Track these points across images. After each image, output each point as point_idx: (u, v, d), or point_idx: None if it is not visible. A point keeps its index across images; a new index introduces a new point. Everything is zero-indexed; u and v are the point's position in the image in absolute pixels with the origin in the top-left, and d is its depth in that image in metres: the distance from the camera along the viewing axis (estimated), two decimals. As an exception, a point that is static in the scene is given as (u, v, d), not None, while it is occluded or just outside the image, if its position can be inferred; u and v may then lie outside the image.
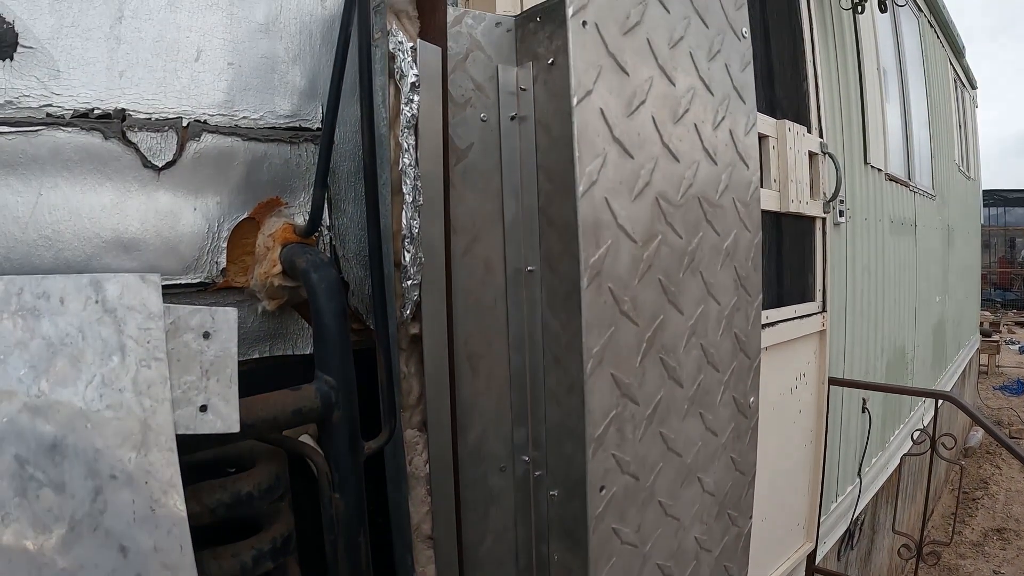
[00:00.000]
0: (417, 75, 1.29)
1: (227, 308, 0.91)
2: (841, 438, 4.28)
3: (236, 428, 0.88)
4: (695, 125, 1.14)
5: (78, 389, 0.79)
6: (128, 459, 0.80)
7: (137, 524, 0.79)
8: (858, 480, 4.56)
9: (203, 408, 0.87)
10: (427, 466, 1.30)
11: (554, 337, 1.40)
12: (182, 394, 0.86)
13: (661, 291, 1.09)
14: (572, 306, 1.23)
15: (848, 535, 4.58)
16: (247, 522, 1.08)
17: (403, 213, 1.22)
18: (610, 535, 1.04)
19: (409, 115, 1.27)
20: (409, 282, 1.21)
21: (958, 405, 3.47)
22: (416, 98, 1.28)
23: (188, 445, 0.91)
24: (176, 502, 0.81)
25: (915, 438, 3.72)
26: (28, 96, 1.05)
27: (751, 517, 1.25)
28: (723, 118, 1.18)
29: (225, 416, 0.88)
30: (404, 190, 1.24)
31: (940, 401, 3.53)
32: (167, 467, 0.81)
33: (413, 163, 1.25)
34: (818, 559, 3.93)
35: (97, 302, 0.83)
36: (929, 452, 3.60)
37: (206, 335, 0.88)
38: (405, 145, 1.25)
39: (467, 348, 1.39)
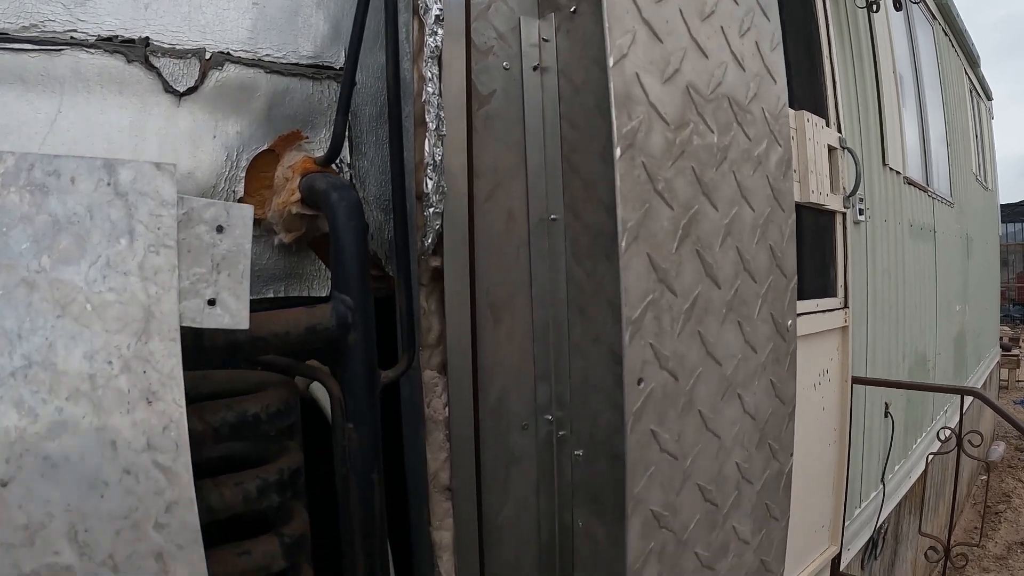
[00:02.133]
0: (441, 8, 1.26)
1: (243, 204, 0.86)
2: (864, 442, 4.17)
3: (245, 325, 0.83)
4: (721, 28, 1.11)
5: (80, 268, 0.75)
6: (127, 345, 0.75)
7: (130, 415, 0.73)
8: (881, 486, 4.44)
9: (211, 302, 0.82)
10: (446, 409, 1.24)
11: (579, 287, 1.36)
12: (190, 285, 0.81)
13: (695, 180, 1.04)
14: (606, 187, 1.17)
15: (872, 544, 4.45)
16: (253, 456, 1.03)
17: (426, 142, 1.19)
18: (649, 439, 0.97)
19: (433, 46, 1.24)
20: (431, 210, 1.17)
21: (984, 400, 3.38)
22: (440, 31, 1.26)
23: (195, 359, 0.86)
24: (175, 396, 0.76)
25: (941, 436, 3.62)
26: (53, 20, 1.05)
27: (792, 455, 1.18)
28: (748, 28, 1.16)
29: (234, 312, 0.83)
30: (427, 119, 1.20)
31: (966, 398, 3.45)
32: (168, 358, 0.76)
33: (436, 92, 1.21)
34: (843, 565, 3.81)
35: (109, 184, 0.78)
36: (956, 451, 3.50)
37: (219, 229, 0.84)
38: (428, 75, 1.22)
39: (489, 297, 1.35)
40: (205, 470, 0.89)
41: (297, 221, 1.17)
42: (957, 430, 3.49)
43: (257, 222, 1.21)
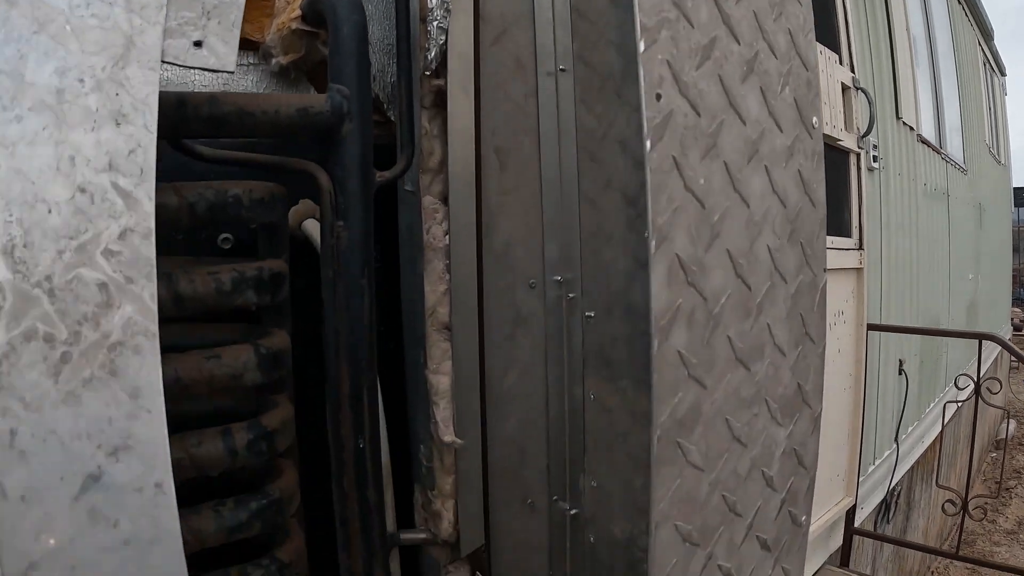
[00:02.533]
0: None
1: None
2: (879, 398, 4.10)
3: (231, 68, 0.78)
4: None
5: (63, -8, 0.69)
6: (102, 67, 0.69)
7: (95, 133, 0.68)
8: (895, 446, 4.36)
9: (198, 43, 0.77)
10: (447, 238, 1.17)
11: (589, 134, 1.29)
12: (177, 26, 0.76)
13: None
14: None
15: (884, 506, 4.38)
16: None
17: (429, -43, 1.12)
18: (671, 166, 0.89)
19: None
20: (435, 24, 1.11)
21: (1000, 343, 3.31)
22: None
23: (175, 128, 0.80)
24: (147, 122, 0.69)
25: (960, 384, 3.55)
26: None
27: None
28: None
29: (221, 55, 0.77)
30: (430, -65, 1.14)
31: (984, 351, 3.38)
32: (144, 84, 0.70)
33: (439, -90, 1.15)
34: (857, 521, 3.74)
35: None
36: (975, 398, 3.43)
37: (211, -26, 0.78)
38: None
39: (495, 140, 1.28)
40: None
41: (296, 41, 1.11)
42: (975, 376, 3.42)
43: (255, 46, 1.15)
